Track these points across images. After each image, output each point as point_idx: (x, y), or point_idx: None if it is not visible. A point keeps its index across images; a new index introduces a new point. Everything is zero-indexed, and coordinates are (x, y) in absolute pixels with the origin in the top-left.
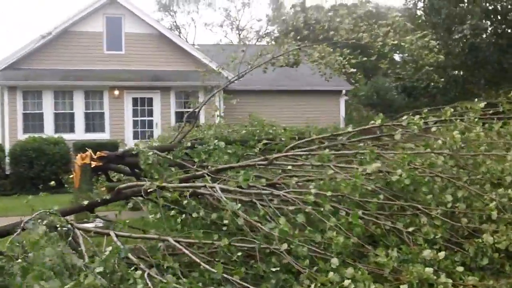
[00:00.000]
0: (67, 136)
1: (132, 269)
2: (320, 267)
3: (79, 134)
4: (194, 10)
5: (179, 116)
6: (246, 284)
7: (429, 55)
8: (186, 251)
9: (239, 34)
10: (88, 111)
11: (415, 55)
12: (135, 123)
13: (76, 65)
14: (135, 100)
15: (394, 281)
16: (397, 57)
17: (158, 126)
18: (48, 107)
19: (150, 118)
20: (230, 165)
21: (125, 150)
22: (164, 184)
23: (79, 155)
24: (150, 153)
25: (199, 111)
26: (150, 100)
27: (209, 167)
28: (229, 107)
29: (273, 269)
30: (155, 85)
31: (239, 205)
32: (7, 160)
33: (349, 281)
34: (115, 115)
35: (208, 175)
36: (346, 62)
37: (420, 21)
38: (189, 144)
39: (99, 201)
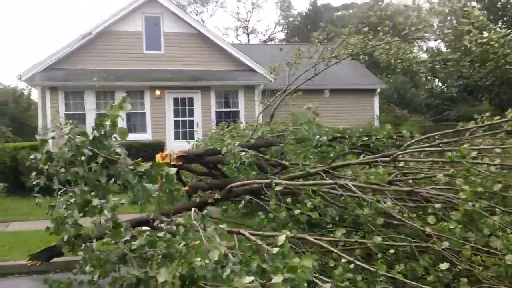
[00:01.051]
0: None
1: None
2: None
3: None
4: (205, 11)
5: (218, 116)
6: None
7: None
8: (333, 250)
9: (248, 35)
10: (130, 111)
11: (497, 54)
12: (176, 123)
13: (116, 65)
14: (175, 100)
15: None
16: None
17: (199, 126)
18: (90, 108)
19: (191, 118)
20: (348, 162)
21: (207, 150)
22: (287, 181)
23: (158, 154)
24: (243, 153)
25: (274, 109)
26: (191, 100)
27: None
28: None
29: (443, 266)
30: (195, 85)
31: (389, 202)
32: None
33: None
34: (157, 115)
35: (326, 172)
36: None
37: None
38: (289, 140)
39: (212, 200)
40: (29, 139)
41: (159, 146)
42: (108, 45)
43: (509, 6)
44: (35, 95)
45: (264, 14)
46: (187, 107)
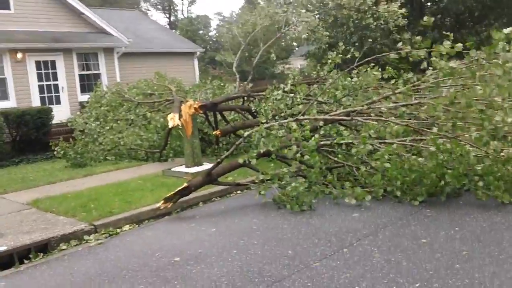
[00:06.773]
0: None
1: None
2: None
3: None
4: None
5: (81, 79)
6: None
7: None
8: None
9: None
10: None
11: None
12: (41, 88)
13: None
14: (38, 64)
15: None
16: None
17: (65, 90)
18: None
19: (55, 82)
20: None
21: (226, 97)
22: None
23: (185, 105)
24: (279, 95)
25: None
26: (53, 63)
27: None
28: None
29: None
30: (57, 47)
31: None
32: None
33: None
34: (19, 80)
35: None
36: None
37: None
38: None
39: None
40: None
41: (49, 112)
42: None
43: None
44: None
45: None
46: (50, 71)
